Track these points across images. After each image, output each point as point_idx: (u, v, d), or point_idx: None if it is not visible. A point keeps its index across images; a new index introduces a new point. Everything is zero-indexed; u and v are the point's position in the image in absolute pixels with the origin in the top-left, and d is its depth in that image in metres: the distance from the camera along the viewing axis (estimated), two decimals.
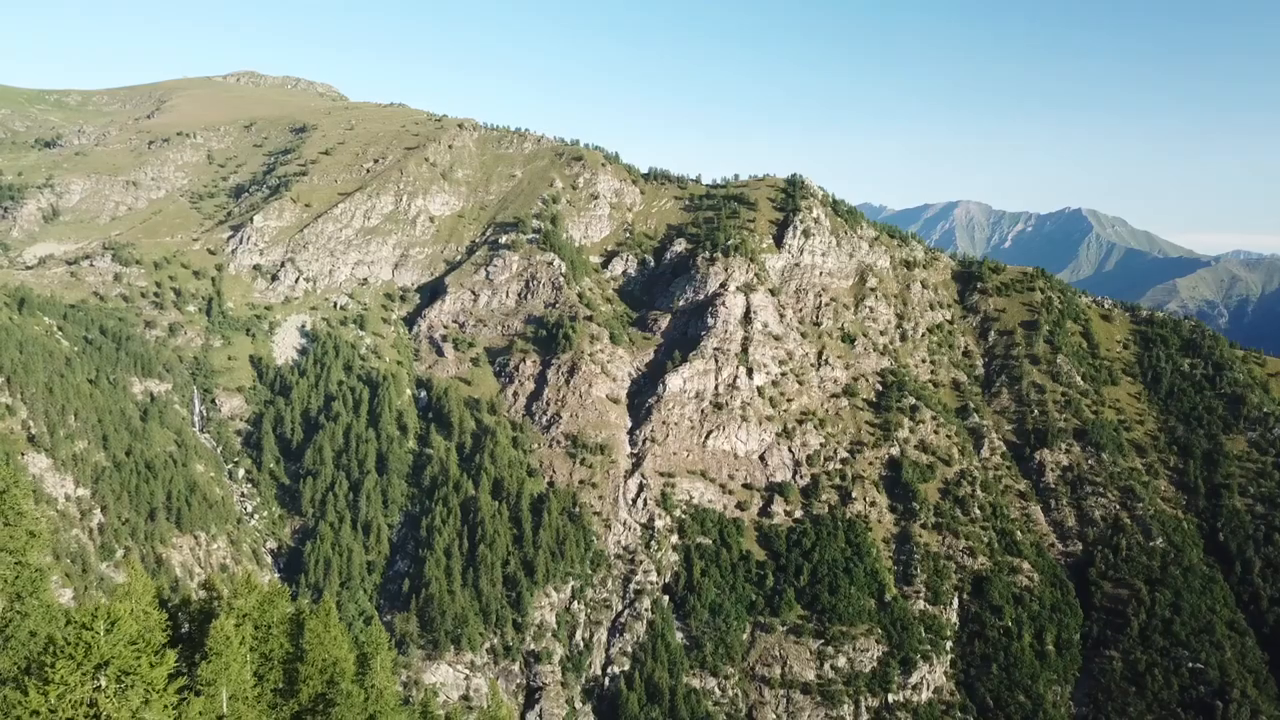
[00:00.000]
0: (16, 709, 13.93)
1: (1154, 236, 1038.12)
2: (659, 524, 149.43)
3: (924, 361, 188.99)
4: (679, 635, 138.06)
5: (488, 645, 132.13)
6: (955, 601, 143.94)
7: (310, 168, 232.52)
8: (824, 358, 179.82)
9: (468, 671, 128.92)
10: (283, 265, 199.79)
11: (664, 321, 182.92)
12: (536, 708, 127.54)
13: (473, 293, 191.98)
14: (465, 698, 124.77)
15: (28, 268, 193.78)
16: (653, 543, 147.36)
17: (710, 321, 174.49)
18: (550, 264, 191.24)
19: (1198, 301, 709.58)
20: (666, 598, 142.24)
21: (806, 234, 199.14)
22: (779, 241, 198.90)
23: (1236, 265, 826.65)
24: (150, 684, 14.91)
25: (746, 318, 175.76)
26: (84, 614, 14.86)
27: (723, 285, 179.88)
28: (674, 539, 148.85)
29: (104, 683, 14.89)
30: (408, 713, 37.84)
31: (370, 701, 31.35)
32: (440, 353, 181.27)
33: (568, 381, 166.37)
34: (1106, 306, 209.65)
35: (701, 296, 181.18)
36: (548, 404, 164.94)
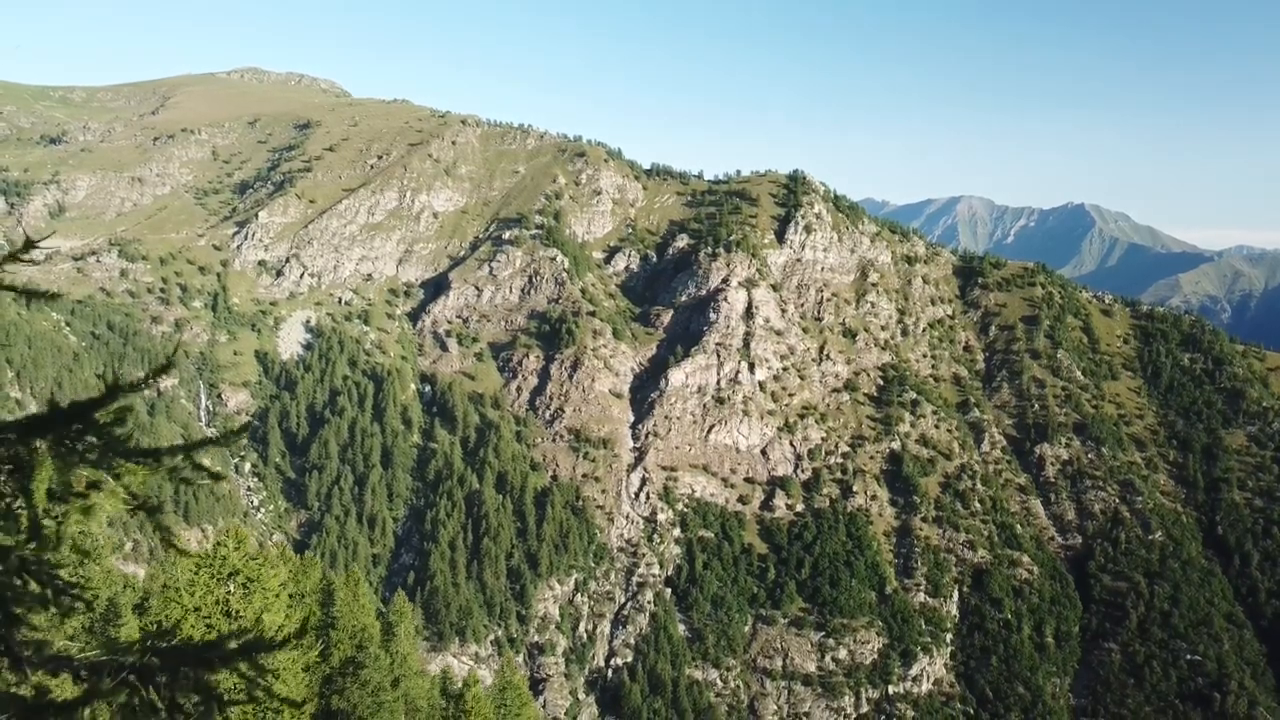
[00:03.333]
0: (171, 605, 16.32)
1: (1157, 232, 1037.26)
2: (661, 517, 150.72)
3: (925, 356, 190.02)
4: (681, 627, 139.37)
5: (492, 637, 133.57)
6: (955, 594, 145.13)
7: (314, 164, 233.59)
8: (825, 353, 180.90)
9: (472, 663, 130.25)
10: (287, 261, 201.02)
11: (666, 317, 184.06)
12: (540, 699, 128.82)
13: (476, 288, 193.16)
14: None
15: (34, 264, 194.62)
16: (655, 536, 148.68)
17: (712, 317, 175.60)
18: (553, 260, 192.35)
19: (1200, 297, 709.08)
20: (669, 590, 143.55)
21: (808, 230, 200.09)
22: (781, 237, 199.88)
23: (1239, 260, 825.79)
24: (268, 590, 17.36)
25: (748, 313, 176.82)
26: (218, 535, 17.60)
27: (725, 281, 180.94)
28: (676, 532, 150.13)
29: (233, 588, 17.25)
30: (429, 679, 39.46)
31: (395, 665, 32.90)
32: (444, 348, 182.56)
33: (571, 376, 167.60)
34: (1107, 302, 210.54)
35: (703, 292, 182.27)
36: (551, 399, 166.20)
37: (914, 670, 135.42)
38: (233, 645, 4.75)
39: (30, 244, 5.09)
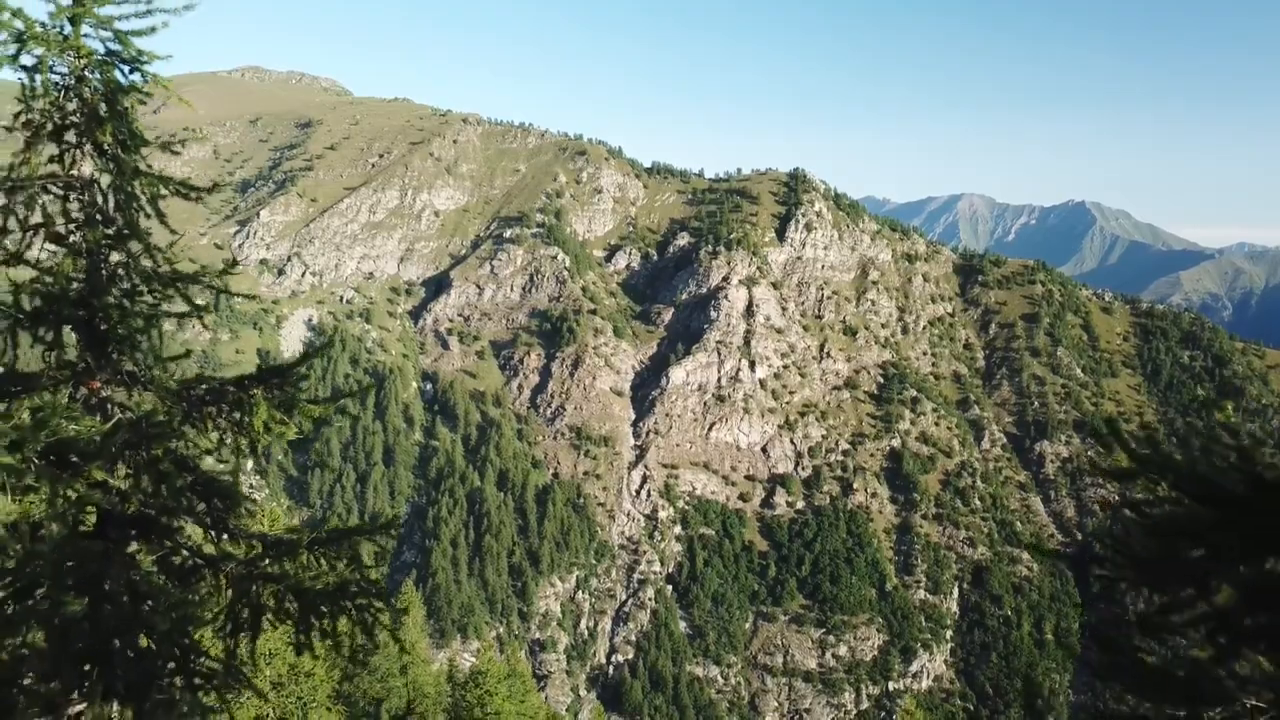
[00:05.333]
0: None
1: (1158, 229, 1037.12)
2: (662, 515, 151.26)
3: (925, 354, 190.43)
4: (682, 624, 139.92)
5: (494, 634, 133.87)
6: (955, 591, 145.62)
7: (315, 163, 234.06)
8: (826, 350, 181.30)
9: (474, 659, 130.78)
10: (289, 260, 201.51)
11: (667, 315, 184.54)
12: (542, 695, 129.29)
13: (477, 286, 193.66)
14: None
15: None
16: (656, 533, 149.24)
17: (713, 315, 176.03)
18: (554, 258, 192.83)
19: (1201, 294, 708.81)
20: (670, 587, 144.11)
21: (809, 228, 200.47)
22: (781, 235, 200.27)
23: (1240, 258, 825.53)
24: None
25: (749, 311, 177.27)
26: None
27: (725, 279, 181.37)
28: (677, 529, 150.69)
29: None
30: (436, 667, 40.49)
31: (403, 653, 33.64)
32: (445, 346, 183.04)
33: (572, 374, 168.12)
34: (1107, 299, 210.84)
35: (704, 290, 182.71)
36: (552, 397, 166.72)
37: (914, 667, 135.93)
38: (371, 525, 7.20)
39: (234, 263, 7.94)
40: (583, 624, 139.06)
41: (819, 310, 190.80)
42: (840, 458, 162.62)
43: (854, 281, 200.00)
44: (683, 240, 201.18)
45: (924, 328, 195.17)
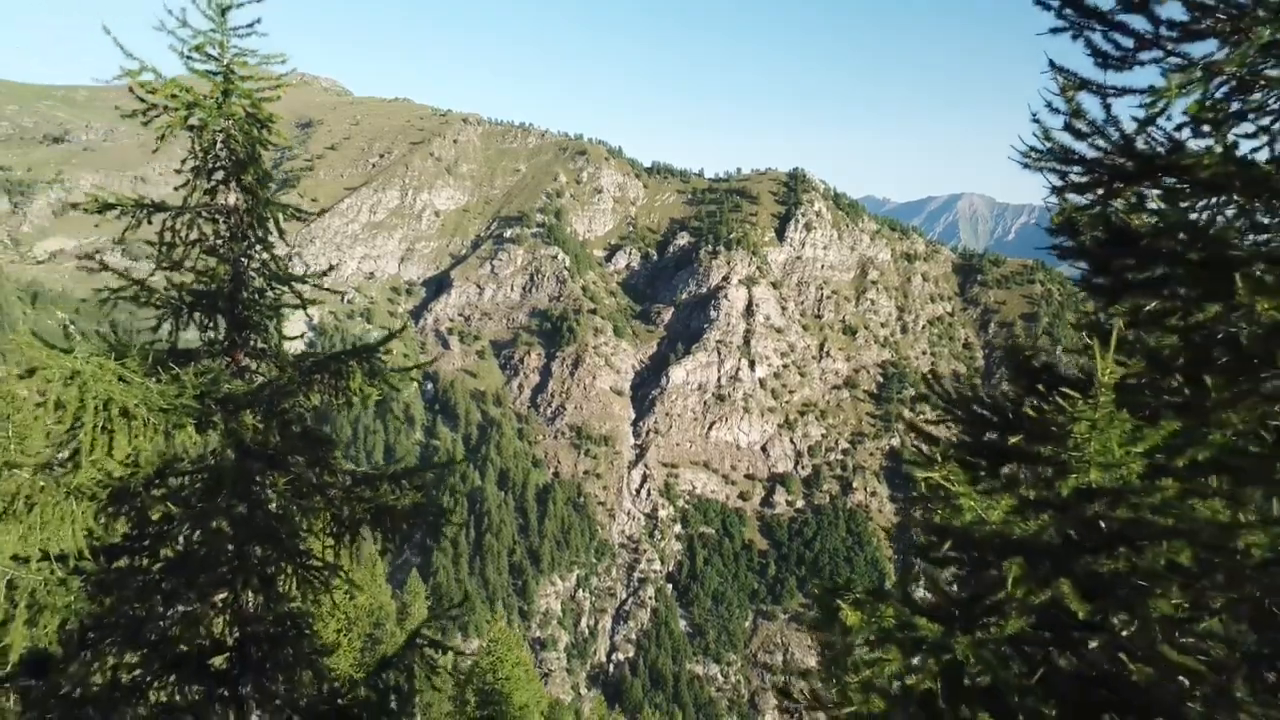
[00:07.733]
0: None
1: None
2: (662, 514, 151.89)
3: (924, 353, 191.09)
4: (682, 623, 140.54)
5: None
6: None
7: (316, 163, 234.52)
8: (825, 350, 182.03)
9: (474, 657, 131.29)
10: (290, 259, 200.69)
11: (667, 314, 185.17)
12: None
13: (478, 286, 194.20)
14: None
15: (39, 262, 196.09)
16: (656, 532, 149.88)
17: (713, 314, 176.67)
18: (554, 258, 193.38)
19: None
20: (670, 586, 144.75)
21: (808, 227, 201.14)
22: (781, 235, 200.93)
23: None
24: None
25: (749, 310, 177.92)
26: None
27: (725, 278, 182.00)
28: (677, 528, 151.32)
29: None
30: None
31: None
32: (446, 346, 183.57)
33: (572, 374, 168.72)
34: None
35: (704, 289, 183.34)
36: (552, 396, 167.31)
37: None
38: (433, 464, 9.80)
39: (332, 267, 11.11)
40: (583, 622, 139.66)
41: (819, 310, 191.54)
42: (840, 457, 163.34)
43: (853, 281, 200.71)
44: (683, 240, 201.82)
45: (923, 327, 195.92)
